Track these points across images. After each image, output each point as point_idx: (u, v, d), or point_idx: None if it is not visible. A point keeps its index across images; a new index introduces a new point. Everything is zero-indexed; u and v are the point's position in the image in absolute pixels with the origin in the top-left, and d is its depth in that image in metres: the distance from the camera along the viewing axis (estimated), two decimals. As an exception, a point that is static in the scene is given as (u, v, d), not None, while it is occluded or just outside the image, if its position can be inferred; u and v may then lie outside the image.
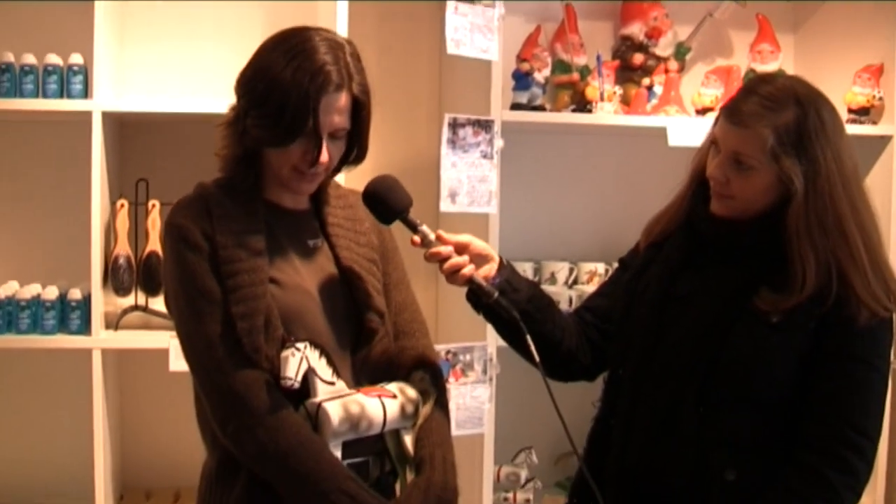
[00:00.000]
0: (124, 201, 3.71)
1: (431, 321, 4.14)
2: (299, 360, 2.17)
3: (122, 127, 3.98)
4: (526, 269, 3.96)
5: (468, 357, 3.38)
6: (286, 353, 2.17)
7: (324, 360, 2.23)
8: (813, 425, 2.27)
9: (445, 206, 3.30)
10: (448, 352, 3.34)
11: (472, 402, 3.41)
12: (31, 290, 3.66)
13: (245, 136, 2.26)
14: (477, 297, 2.41)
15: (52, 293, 3.65)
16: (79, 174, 3.63)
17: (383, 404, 2.29)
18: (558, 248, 4.24)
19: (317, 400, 2.22)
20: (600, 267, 4.07)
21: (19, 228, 4.04)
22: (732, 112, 2.31)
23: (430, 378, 2.44)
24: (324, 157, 2.24)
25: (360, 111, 2.30)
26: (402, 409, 2.33)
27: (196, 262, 2.22)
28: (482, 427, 3.46)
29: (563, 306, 3.72)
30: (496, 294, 2.35)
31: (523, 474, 3.90)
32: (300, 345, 2.18)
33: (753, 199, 2.31)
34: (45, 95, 3.62)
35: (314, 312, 2.31)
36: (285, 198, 2.39)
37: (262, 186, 2.35)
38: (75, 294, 3.66)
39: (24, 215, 4.04)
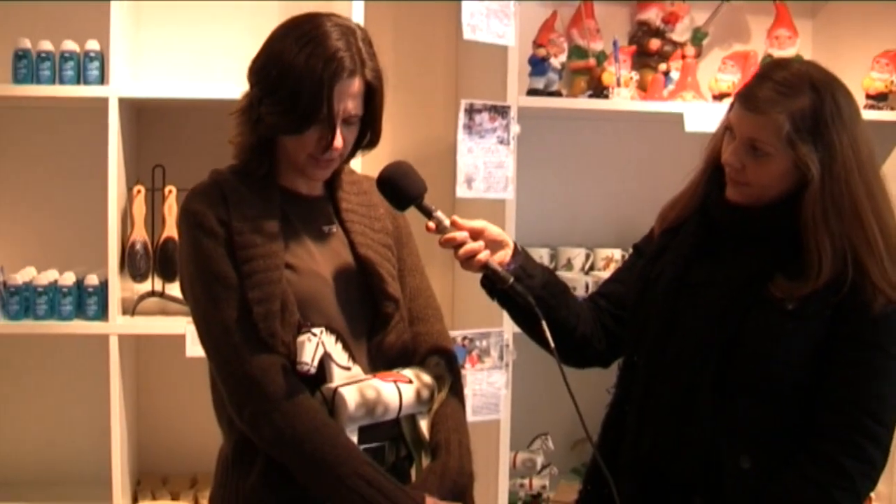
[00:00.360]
0: (141, 187, 3.72)
1: (447, 307, 4.14)
2: (315, 346, 2.17)
3: (139, 113, 3.99)
4: (542, 255, 3.96)
5: (484, 343, 3.38)
6: (302, 338, 2.17)
7: (340, 346, 2.24)
8: (828, 413, 2.26)
9: (462, 191, 3.30)
10: (464, 338, 3.34)
11: (488, 388, 3.41)
12: (49, 275, 3.67)
13: (259, 123, 2.26)
14: (492, 283, 2.41)
15: (69, 279, 3.66)
16: (95, 160, 3.64)
17: (399, 389, 2.29)
18: (574, 234, 4.24)
19: (333, 385, 2.22)
20: (616, 253, 4.06)
21: (36, 215, 4.05)
22: (747, 98, 2.29)
23: (445, 363, 2.44)
24: (338, 142, 2.23)
25: (373, 96, 2.29)
26: (418, 394, 2.33)
27: (212, 248, 2.22)
28: (498, 413, 3.47)
29: (580, 292, 3.72)
30: (511, 280, 2.35)
31: (539, 460, 3.90)
32: (316, 330, 2.18)
33: (769, 186, 2.30)
34: (61, 82, 3.62)
35: (329, 298, 2.31)
36: (300, 184, 2.38)
37: (276, 173, 2.35)
38: (92, 280, 3.67)
39: (41, 201, 4.05)
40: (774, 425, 2.29)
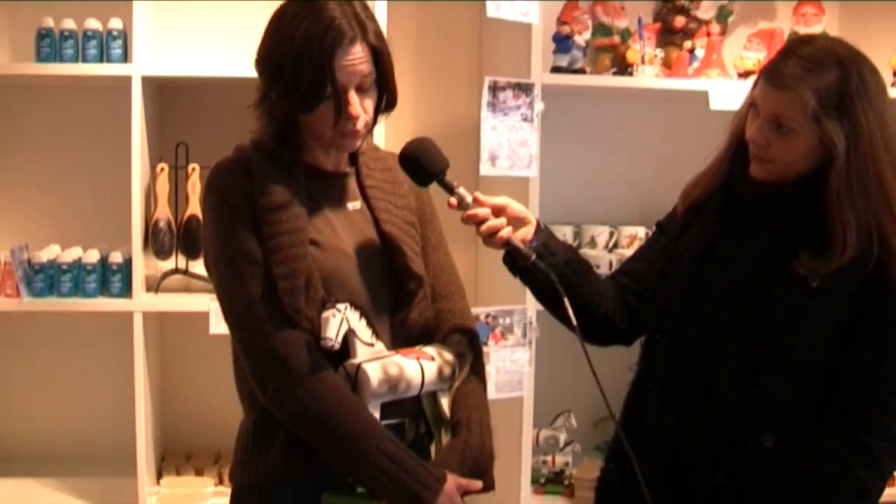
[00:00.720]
0: (164, 165, 3.72)
1: (471, 284, 4.14)
2: (340, 321, 2.18)
3: (162, 91, 3.99)
4: (566, 233, 3.95)
5: (508, 320, 3.38)
6: (327, 313, 2.18)
7: (363, 322, 2.24)
8: (852, 391, 2.25)
9: (485, 169, 3.29)
10: (488, 315, 3.34)
11: (511, 365, 3.41)
12: (73, 253, 3.69)
13: (274, 111, 2.26)
14: (514, 259, 2.40)
15: (93, 256, 3.68)
16: (119, 138, 3.64)
17: (421, 366, 2.29)
18: (598, 211, 4.23)
19: (356, 361, 2.23)
20: (640, 231, 4.04)
21: (61, 193, 4.06)
22: (773, 74, 2.27)
23: (467, 342, 2.45)
24: (354, 110, 2.22)
25: (380, 57, 2.27)
26: (440, 371, 2.33)
27: (237, 224, 2.23)
28: (521, 390, 3.46)
29: (603, 270, 3.71)
30: (533, 257, 2.34)
31: (562, 437, 3.90)
32: (341, 306, 2.19)
33: (793, 163, 2.29)
34: (84, 60, 3.63)
35: (353, 274, 2.31)
36: (325, 160, 2.38)
37: (301, 150, 2.35)
38: (116, 257, 3.68)
39: (65, 180, 4.07)
40: (798, 403, 2.28)
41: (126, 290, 3.66)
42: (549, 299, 2.45)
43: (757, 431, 2.28)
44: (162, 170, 3.70)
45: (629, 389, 2.60)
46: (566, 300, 2.31)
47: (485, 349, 3.27)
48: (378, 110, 2.36)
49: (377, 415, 2.24)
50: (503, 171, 3.33)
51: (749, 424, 2.29)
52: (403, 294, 2.38)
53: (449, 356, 2.37)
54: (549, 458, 3.92)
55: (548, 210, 3.54)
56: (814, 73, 2.22)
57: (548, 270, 2.34)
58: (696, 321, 2.39)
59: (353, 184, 2.44)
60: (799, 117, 2.22)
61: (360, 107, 2.24)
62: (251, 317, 2.20)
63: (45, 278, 3.65)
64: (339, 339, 2.18)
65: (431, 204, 2.55)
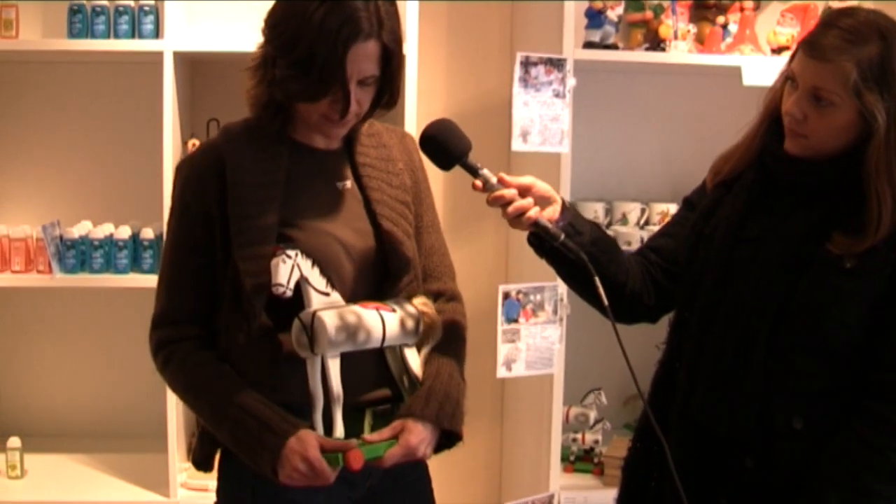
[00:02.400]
0: (196, 141, 3.72)
1: (501, 261, 4.15)
2: (290, 267, 2.15)
3: (193, 66, 3.99)
4: (597, 210, 3.94)
5: (539, 297, 3.37)
6: (276, 260, 2.15)
7: (317, 270, 2.21)
8: (884, 373, 2.21)
9: (517, 145, 3.27)
10: (519, 292, 3.33)
11: (542, 342, 3.40)
12: (104, 229, 3.70)
13: (273, 86, 2.23)
14: (540, 240, 2.36)
15: (124, 233, 3.69)
16: (150, 114, 3.66)
17: (382, 317, 2.26)
18: (630, 188, 4.22)
19: (311, 309, 2.20)
20: (672, 208, 4.02)
21: (92, 169, 4.08)
22: (812, 46, 2.23)
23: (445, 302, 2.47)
24: (353, 106, 2.20)
25: (390, 59, 2.23)
26: (402, 323, 2.30)
27: (183, 228, 2.32)
28: (552, 368, 3.46)
29: (635, 247, 3.68)
30: (562, 236, 2.30)
31: (592, 415, 3.89)
32: (291, 252, 2.16)
33: (829, 138, 2.25)
34: (116, 36, 3.64)
35: (339, 255, 2.29)
36: (316, 138, 2.36)
37: (291, 126, 2.33)
38: (148, 233, 3.70)
39: (96, 156, 4.08)
40: (828, 386, 2.25)
41: (157, 267, 3.66)
42: (575, 279, 2.42)
43: (786, 414, 2.25)
44: (193, 145, 3.70)
45: (657, 369, 2.57)
46: (597, 280, 2.27)
47: (515, 326, 3.27)
48: (376, 105, 2.32)
49: (337, 365, 2.21)
50: (535, 148, 3.31)
51: (778, 407, 2.26)
52: (391, 277, 2.36)
53: (412, 310, 2.33)
54: (578, 435, 3.92)
55: (579, 187, 3.53)
56: (856, 44, 2.17)
57: (577, 250, 2.30)
58: (726, 301, 2.36)
59: (344, 162, 2.41)
60: (839, 90, 2.18)
61: (355, 100, 2.21)
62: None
63: (77, 255, 3.67)
64: (291, 285, 2.15)
65: (427, 181, 2.52)
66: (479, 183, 2.28)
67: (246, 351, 2.24)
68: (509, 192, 2.27)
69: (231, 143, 2.28)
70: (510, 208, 2.27)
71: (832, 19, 2.25)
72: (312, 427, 2.21)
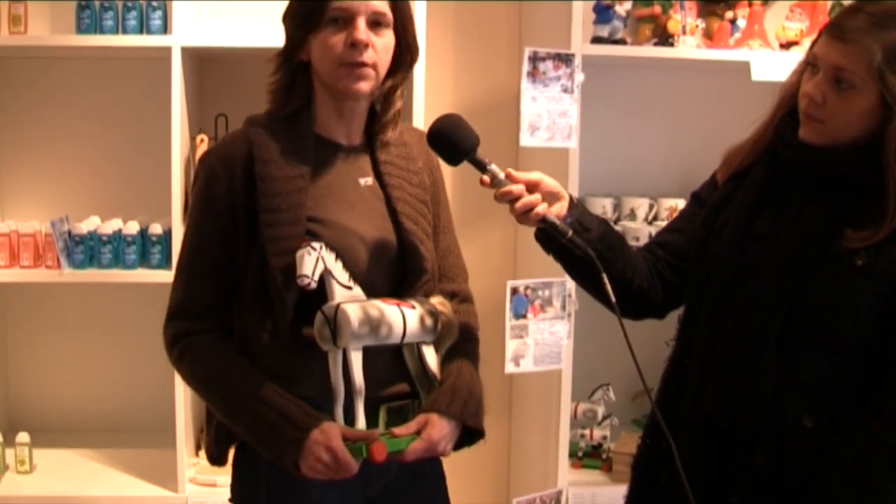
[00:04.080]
0: (204, 136, 3.73)
1: (510, 257, 4.14)
2: (315, 259, 2.16)
3: (201, 62, 4.00)
4: (605, 205, 3.93)
5: (547, 293, 3.37)
6: (301, 251, 2.16)
7: (340, 264, 2.22)
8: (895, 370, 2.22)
9: (525, 140, 3.27)
10: (527, 287, 3.33)
11: (550, 338, 3.40)
12: (113, 224, 3.70)
13: (287, 49, 2.29)
14: (547, 236, 2.35)
15: (132, 228, 3.69)
16: (158, 109, 3.65)
17: (402, 313, 2.26)
18: (638, 183, 4.21)
19: (334, 302, 2.21)
20: (680, 203, 4.00)
21: (101, 164, 4.09)
22: (837, 28, 2.20)
23: (459, 303, 2.47)
24: (360, 34, 2.21)
25: (398, 6, 2.29)
26: (422, 320, 2.30)
27: (208, 220, 2.31)
28: (560, 363, 3.46)
29: (643, 243, 3.69)
30: (570, 233, 2.29)
31: (600, 411, 3.89)
32: (316, 244, 2.17)
33: (847, 124, 2.22)
34: (124, 31, 3.64)
35: (359, 251, 2.29)
36: (338, 132, 2.36)
37: (313, 120, 2.34)
38: (156, 229, 3.70)
39: (105, 151, 4.09)
40: (840, 383, 2.23)
41: (166, 262, 3.68)
42: (582, 275, 2.42)
43: (797, 411, 2.24)
44: (202, 141, 3.70)
45: (666, 365, 2.56)
46: (604, 276, 2.26)
47: (524, 322, 3.27)
48: (397, 65, 2.34)
49: (359, 358, 2.21)
50: (543, 143, 3.31)
51: (789, 404, 2.24)
52: (410, 274, 2.36)
53: (431, 308, 2.34)
54: (587, 431, 3.91)
55: (587, 182, 3.52)
56: (882, 27, 2.14)
57: (585, 246, 2.28)
58: (737, 298, 2.34)
59: (366, 158, 2.41)
60: (862, 71, 2.15)
61: (370, 42, 2.23)
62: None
63: (86, 250, 3.67)
64: (316, 277, 2.16)
65: (443, 182, 2.53)
66: (486, 178, 2.26)
67: (268, 345, 2.24)
68: (517, 188, 2.25)
69: (259, 136, 2.29)
70: (518, 204, 2.25)
71: (859, 5, 2.21)
72: (333, 420, 2.21)
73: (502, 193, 2.26)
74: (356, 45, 2.21)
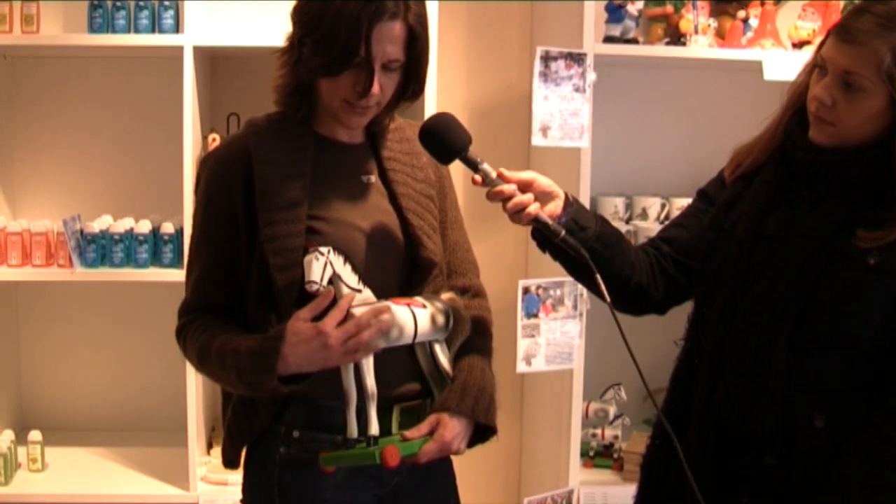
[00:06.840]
0: (216, 135, 3.73)
1: (521, 256, 4.14)
2: (323, 265, 2.13)
3: (213, 61, 4.00)
4: (617, 205, 3.93)
5: (558, 292, 3.37)
6: (309, 257, 2.14)
7: (349, 267, 2.19)
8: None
9: (537, 140, 3.27)
10: (538, 287, 3.33)
11: (561, 337, 3.40)
12: (125, 223, 3.71)
13: (298, 65, 2.23)
14: (543, 235, 2.34)
15: (144, 227, 3.69)
16: (170, 109, 3.66)
17: (413, 313, 2.24)
18: (650, 183, 4.20)
19: None
20: (692, 203, 4.02)
21: (113, 163, 4.09)
22: (845, 30, 2.19)
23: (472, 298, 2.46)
24: (375, 88, 2.19)
25: (415, 43, 2.22)
26: (433, 319, 2.28)
27: (210, 219, 2.31)
28: (572, 363, 3.46)
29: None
30: (563, 233, 2.28)
31: (612, 410, 3.89)
32: (323, 249, 2.14)
33: (856, 126, 2.21)
34: (136, 31, 3.64)
35: (366, 249, 2.28)
36: (340, 132, 2.36)
37: (315, 119, 2.33)
38: (168, 228, 3.70)
39: (116, 150, 4.10)
40: (851, 384, 2.23)
41: (178, 261, 3.68)
42: (580, 273, 2.40)
43: (808, 412, 2.23)
44: (214, 140, 3.71)
45: (676, 365, 2.55)
46: (598, 277, 2.25)
47: (535, 321, 3.27)
48: (400, 97, 2.32)
49: (371, 361, 2.19)
50: (555, 142, 3.31)
51: (800, 404, 2.24)
52: (418, 271, 2.35)
53: (442, 305, 2.32)
54: (598, 431, 3.91)
55: (599, 181, 3.52)
56: (890, 29, 2.14)
57: (577, 246, 2.28)
58: (747, 298, 2.33)
59: (369, 156, 2.40)
60: (871, 74, 2.15)
61: (378, 83, 2.20)
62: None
63: (98, 249, 3.68)
64: (325, 282, 2.14)
65: (450, 177, 2.51)
66: (478, 178, 2.25)
67: None
68: (508, 188, 2.24)
69: (257, 137, 2.28)
70: (509, 204, 2.25)
71: (865, 6, 2.20)
72: (346, 426, 2.20)
73: (494, 193, 2.25)
74: (366, 93, 2.20)
